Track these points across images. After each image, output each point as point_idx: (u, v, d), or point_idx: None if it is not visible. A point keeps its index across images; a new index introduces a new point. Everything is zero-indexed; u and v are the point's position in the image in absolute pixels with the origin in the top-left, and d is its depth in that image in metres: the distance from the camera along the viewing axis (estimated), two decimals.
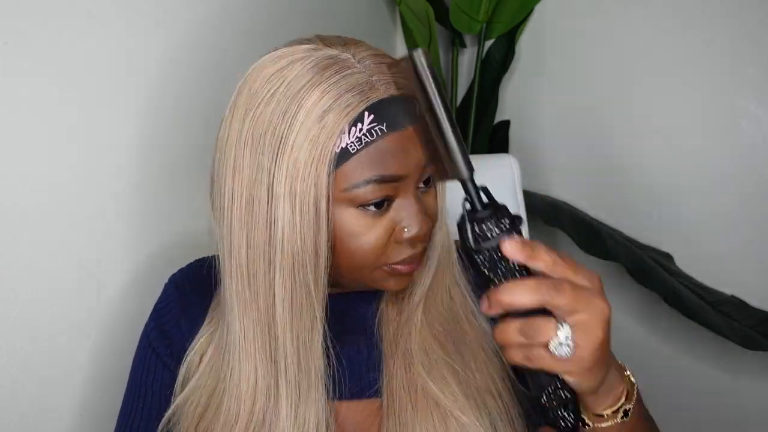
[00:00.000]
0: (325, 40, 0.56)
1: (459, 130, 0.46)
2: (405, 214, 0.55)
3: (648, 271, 1.20)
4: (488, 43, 1.44)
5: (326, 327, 0.58)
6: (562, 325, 0.45)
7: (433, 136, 0.47)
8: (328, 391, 0.59)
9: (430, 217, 0.58)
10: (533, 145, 1.47)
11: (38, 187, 0.72)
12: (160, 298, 0.70)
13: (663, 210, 1.33)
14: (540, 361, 0.46)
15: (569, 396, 0.50)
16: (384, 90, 0.53)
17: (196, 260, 0.71)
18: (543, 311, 0.45)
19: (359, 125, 0.52)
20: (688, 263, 1.30)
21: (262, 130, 0.53)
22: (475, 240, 0.46)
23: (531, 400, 0.50)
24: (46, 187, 0.73)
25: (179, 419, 0.63)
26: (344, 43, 0.56)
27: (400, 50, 1.60)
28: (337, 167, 0.52)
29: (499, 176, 1.06)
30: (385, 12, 1.51)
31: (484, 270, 0.46)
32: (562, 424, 0.51)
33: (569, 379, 0.47)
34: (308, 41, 0.56)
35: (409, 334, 0.63)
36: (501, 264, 0.46)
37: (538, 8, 1.41)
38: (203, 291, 0.67)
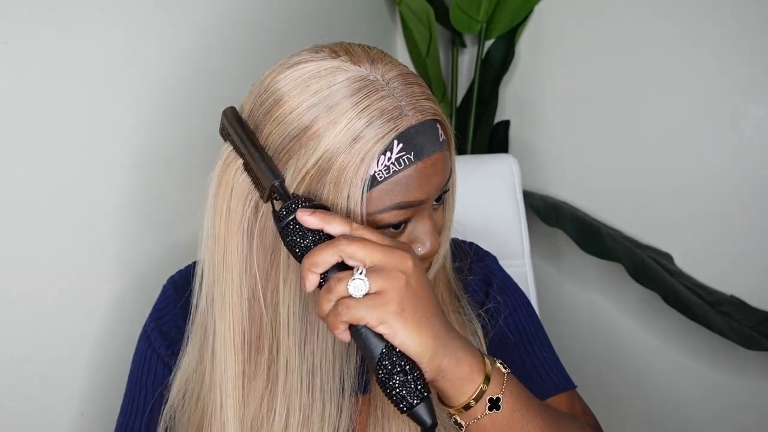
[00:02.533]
0: (351, 54, 0.55)
1: (263, 152, 0.54)
2: (419, 233, 0.57)
3: (648, 271, 1.20)
4: (488, 43, 1.44)
5: None
6: (357, 268, 0.48)
7: (251, 165, 0.54)
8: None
9: (438, 231, 0.59)
10: (533, 145, 1.47)
11: (38, 187, 0.72)
12: (158, 298, 0.71)
13: (663, 210, 1.33)
14: (346, 310, 0.47)
15: (404, 361, 0.47)
16: (412, 116, 0.53)
17: (195, 261, 0.71)
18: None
19: (388, 154, 0.52)
20: (688, 263, 1.30)
21: (283, 140, 0.53)
22: (278, 219, 0.51)
23: (378, 383, 0.48)
24: (46, 187, 0.73)
25: (175, 423, 0.63)
26: (371, 59, 0.55)
27: (401, 50, 1.60)
28: (364, 192, 0.53)
29: (499, 176, 1.06)
30: (385, 12, 1.51)
31: (298, 245, 0.50)
32: (407, 398, 0.46)
33: (384, 330, 0.46)
34: (334, 53, 0.55)
35: None
36: (306, 235, 0.50)
37: (538, 8, 1.41)
38: None
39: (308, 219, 0.49)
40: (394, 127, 0.52)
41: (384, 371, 0.47)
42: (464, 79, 1.55)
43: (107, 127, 0.80)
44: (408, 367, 0.47)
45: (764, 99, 1.20)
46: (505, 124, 1.46)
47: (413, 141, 0.53)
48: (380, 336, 0.47)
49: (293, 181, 0.53)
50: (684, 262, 1.31)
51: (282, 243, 0.53)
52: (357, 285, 0.47)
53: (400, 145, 0.52)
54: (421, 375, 0.48)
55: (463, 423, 0.51)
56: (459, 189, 0.66)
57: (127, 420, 0.67)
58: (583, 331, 1.47)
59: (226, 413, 0.57)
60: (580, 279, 1.46)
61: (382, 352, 0.47)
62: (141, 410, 0.67)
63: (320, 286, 0.49)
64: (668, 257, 1.31)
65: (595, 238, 1.26)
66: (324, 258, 0.48)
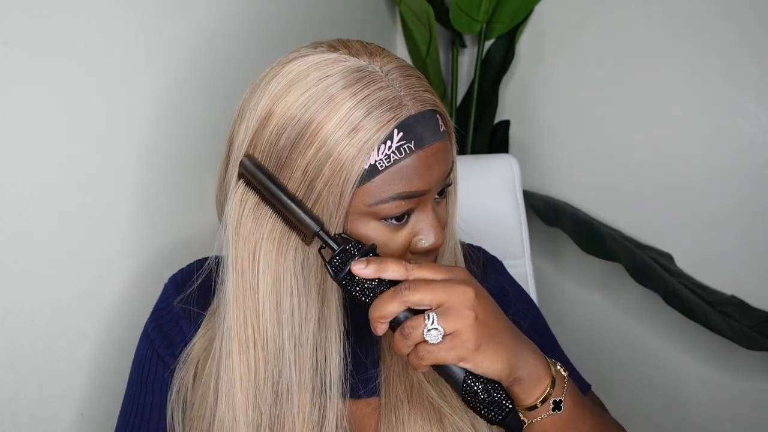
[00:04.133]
0: (349, 47, 0.56)
1: (297, 199, 0.54)
2: (423, 225, 0.57)
3: (648, 271, 1.20)
4: (488, 43, 1.44)
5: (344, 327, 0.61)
6: (428, 316, 0.49)
7: (285, 214, 0.54)
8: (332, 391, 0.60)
9: (442, 225, 0.60)
10: (533, 145, 1.47)
11: (38, 188, 0.72)
12: (160, 298, 0.70)
13: (663, 210, 1.33)
14: (428, 355, 0.49)
15: (482, 382, 0.51)
16: (412, 106, 0.54)
17: (196, 260, 0.71)
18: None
19: (388, 143, 0.53)
20: (688, 263, 1.30)
21: (285, 135, 0.54)
22: (335, 273, 0.52)
23: (465, 404, 0.51)
24: (46, 188, 0.73)
25: (189, 424, 0.63)
26: (370, 52, 0.56)
27: (401, 50, 1.60)
28: (363, 183, 0.53)
29: (499, 176, 1.06)
30: (385, 12, 1.51)
31: (360, 299, 0.52)
32: (495, 412, 0.51)
33: (466, 365, 0.50)
34: (332, 47, 0.56)
35: None
36: (366, 287, 0.51)
37: (538, 8, 1.41)
38: (203, 291, 0.67)
39: (364, 272, 0.51)
40: (393, 117, 0.52)
41: (469, 394, 0.51)
42: (464, 79, 1.55)
43: (108, 127, 0.80)
44: (490, 387, 0.51)
45: (764, 99, 1.20)
46: (505, 124, 1.46)
47: (413, 130, 0.53)
48: (458, 371, 0.50)
49: (294, 171, 0.53)
50: (684, 262, 1.31)
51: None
52: (433, 335, 0.49)
53: (401, 134, 0.53)
54: (502, 388, 0.51)
55: (525, 421, 0.54)
56: (459, 189, 0.66)
57: (128, 420, 0.67)
58: (583, 331, 1.47)
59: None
60: (580, 279, 1.46)
61: (464, 379, 0.50)
62: (141, 410, 0.67)
63: (390, 326, 0.51)
64: (668, 257, 1.31)
65: (595, 238, 1.26)
66: (390, 310, 0.50)
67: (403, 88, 0.54)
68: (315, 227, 0.52)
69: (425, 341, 0.49)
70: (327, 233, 0.53)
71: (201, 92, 0.93)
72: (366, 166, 0.52)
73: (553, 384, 0.54)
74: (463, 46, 1.51)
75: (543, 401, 0.53)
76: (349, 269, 0.51)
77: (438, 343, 0.49)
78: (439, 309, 0.49)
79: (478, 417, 0.51)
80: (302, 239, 0.55)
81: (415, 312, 0.50)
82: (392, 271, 0.51)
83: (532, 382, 0.53)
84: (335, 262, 0.52)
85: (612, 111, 1.36)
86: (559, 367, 0.56)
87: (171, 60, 0.88)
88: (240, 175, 0.56)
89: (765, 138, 1.21)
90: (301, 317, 0.56)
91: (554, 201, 1.39)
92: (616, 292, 1.41)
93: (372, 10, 1.45)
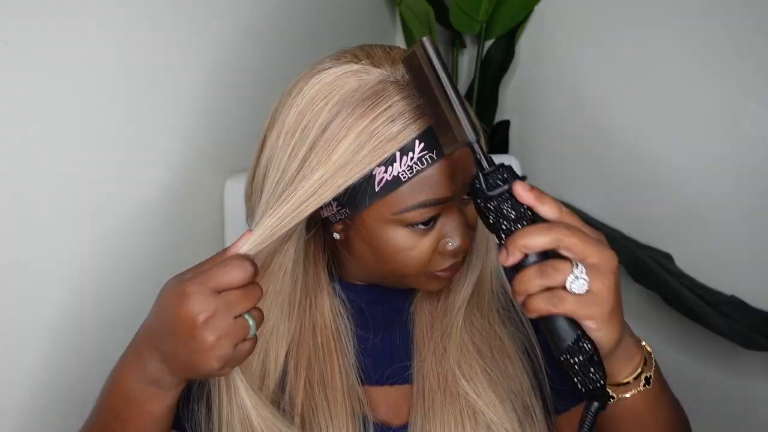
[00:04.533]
0: (372, 57, 0.56)
1: (466, 103, 0.49)
2: (450, 228, 0.58)
3: (648, 272, 1.20)
4: (488, 43, 1.44)
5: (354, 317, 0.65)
6: (576, 264, 0.47)
7: (443, 109, 0.49)
8: (362, 378, 0.63)
9: (471, 226, 0.60)
10: (533, 145, 1.47)
11: (38, 188, 0.72)
12: None
13: (663, 210, 1.33)
14: (562, 302, 0.47)
15: (591, 348, 0.49)
16: None
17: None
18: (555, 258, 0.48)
19: (410, 154, 0.53)
20: (688, 263, 1.30)
21: (309, 145, 0.54)
22: (489, 188, 0.48)
23: (559, 363, 0.50)
24: (46, 188, 0.73)
25: None
26: (392, 60, 0.56)
27: None
28: (386, 194, 0.54)
29: None
30: (385, 12, 1.51)
31: (498, 220, 0.49)
32: (591, 381, 0.49)
33: (591, 324, 0.48)
34: (355, 57, 0.57)
35: (446, 331, 0.65)
36: (512, 211, 0.48)
37: (538, 8, 1.41)
38: None
39: (525, 195, 0.48)
40: (414, 128, 0.53)
41: (574, 356, 0.49)
42: (464, 79, 1.55)
43: (108, 127, 0.80)
44: (596, 356, 0.49)
45: (764, 99, 1.20)
46: (505, 124, 1.46)
47: (435, 138, 0.53)
48: (573, 324, 0.48)
49: (313, 173, 0.54)
50: (684, 262, 1.31)
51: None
52: (580, 285, 0.47)
53: (422, 144, 0.53)
54: (602, 362, 0.50)
55: (614, 396, 0.55)
56: None
57: None
58: None
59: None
60: None
61: (574, 339, 0.49)
62: None
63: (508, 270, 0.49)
64: (668, 257, 1.31)
65: None
66: (540, 242, 0.47)
67: None
68: (473, 136, 0.49)
69: (564, 288, 0.47)
70: (481, 146, 0.50)
71: (200, 93, 0.93)
72: (389, 178, 0.53)
73: (644, 361, 0.55)
74: (463, 46, 1.51)
75: (636, 378, 0.55)
76: (510, 187, 0.48)
77: (576, 294, 0.47)
78: (586, 263, 0.47)
79: (572, 379, 0.50)
80: (443, 141, 0.51)
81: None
82: (549, 205, 0.48)
83: (628, 357, 0.54)
84: (494, 178, 0.48)
85: (612, 111, 1.36)
86: (644, 343, 0.57)
87: (172, 60, 0.88)
88: (407, 59, 0.52)
89: (765, 138, 1.21)
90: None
91: None
92: None
93: (372, 10, 1.45)
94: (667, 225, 1.33)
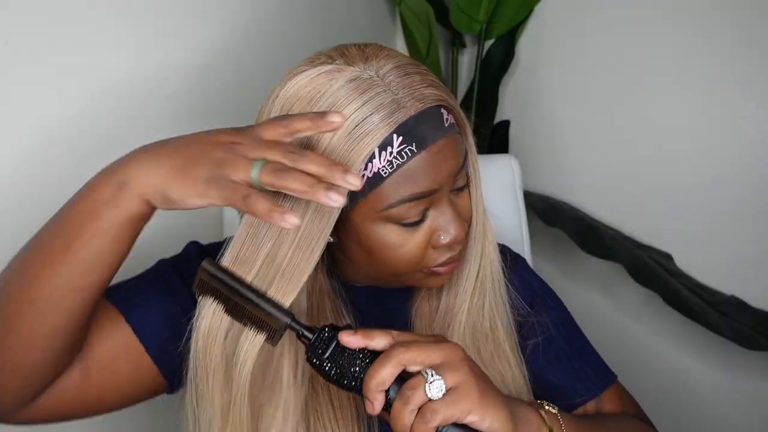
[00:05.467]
0: (346, 56, 0.56)
1: (261, 293, 0.51)
2: (441, 221, 0.57)
3: (648, 271, 1.20)
4: (488, 43, 1.44)
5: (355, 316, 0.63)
6: (426, 372, 0.48)
7: (252, 311, 0.51)
8: None
9: (465, 218, 0.59)
10: (533, 145, 1.47)
11: (38, 188, 0.72)
12: (177, 255, 0.67)
13: (663, 210, 1.33)
14: (434, 413, 0.47)
15: None
16: (411, 106, 0.53)
17: (218, 241, 0.69)
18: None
19: (389, 149, 0.52)
20: (688, 263, 1.30)
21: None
22: (319, 357, 0.50)
23: None
24: (45, 188, 0.73)
25: None
26: (366, 57, 0.55)
27: (400, 50, 1.59)
28: (371, 190, 0.53)
29: (499, 176, 1.06)
30: (385, 12, 1.51)
31: (344, 376, 0.50)
32: None
33: (474, 419, 0.48)
34: (330, 58, 0.56)
35: (447, 333, 0.65)
36: (351, 361, 0.49)
37: (538, 8, 1.41)
38: None
39: (352, 339, 0.49)
40: (391, 121, 0.52)
41: None
42: (464, 79, 1.55)
43: (108, 127, 0.80)
44: None
45: (765, 99, 1.20)
46: (505, 124, 1.46)
47: (414, 131, 0.53)
48: (461, 428, 0.48)
49: None
50: (684, 262, 1.31)
51: (320, 379, 0.54)
52: (437, 386, 0.47)
53: (400, 138, 0.52)
54: None
55: None
56: (481, 179, 0.65)
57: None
58: (583, 331, 1.47)
59: None
60: (580, 279, 1.46)
61: None
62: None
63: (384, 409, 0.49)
64: (668, 257, 1.31)
65: (595, 238, 1.26)
66: (388, 373, 0.48)
67: (402, 89, 0.53)
68: (286, 319, 0.51)
69: (429, 400, 0.47)
70: (297, 322, 0.51)
71: (199, 94, 0.93)
72: (370, 175, 0.52)
73: (549, 426, 0.54)
74: (463, 46, 1.51)
75: None
76: (336, 343, 0.50)
77: (442, 397, 0.47)
78: (434, 367, 0.48)
79: None
80: (267, 338, 0.51)
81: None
82: (379, 337, 0.50)
83: (530, 426, 0.53)
84: (318, 343, 0.50)
85: (612, 111, 1.36)
86: (547, 407, 0.56)
87: (172, 60, 0.88)
88: (199, 286, 0.52)
89: (765, 138, 1.21)
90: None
91: (554, 201, 1.39)
92: (616, 292, 1.41)
93: (372, 10, 1.45)
94: (667, 225, 1.33)
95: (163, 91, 0.87)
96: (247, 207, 0.43)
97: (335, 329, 0.51)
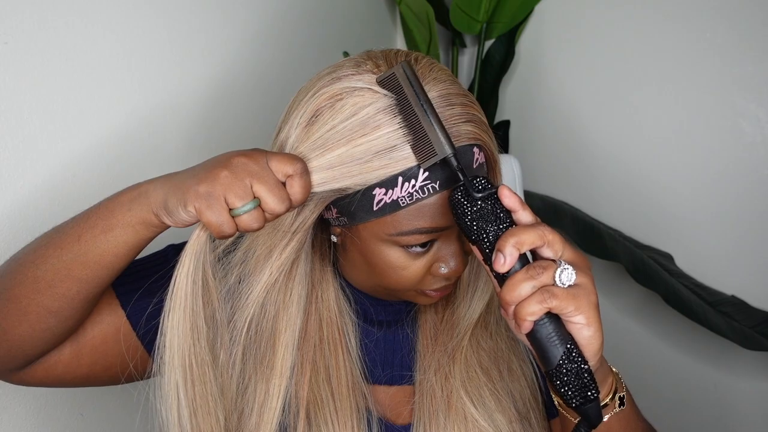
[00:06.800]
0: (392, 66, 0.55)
1: (439, 119, 0.51)
2: (445, 253, 0.57)
3: (648, 271, 1.20)
4: (488, 43, 1.44)
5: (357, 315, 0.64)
6: (559, 261, 0.48)
7: (421, 126, 0.51)
8: (366, 374, 0.63)
9: (468, 252, 0.60)
10: (533, 145, 1.48)
11: (38, 188, 0.72)
12: (154, 254, 0.66)
13: (663, 210, 1.33)
14: (553, 296, 0.46)
15: (581, 357, 0.49)
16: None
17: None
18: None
19: (413, 181, 0.52)
20: (688, 263, 1.30)
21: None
22: (469, 195, 0.49)
23: (550, 377, 0.49)
24: (45, 188, 0.73)
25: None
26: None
27: None
28: (385, 215, 0.54)
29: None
30: (385, 12, 1.51)
31: (481, 225, 0.49)
32: (583, 394, 0.48)
33: (581, 320, 0.47)
34: (377, 66, 0.55)
35: (451, 354, 0.65)
36: (493, 216, 0.49)
37: (538, 8, 1.41)
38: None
39: (512, 196, 0.49)
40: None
41: (561, 371, 0.48)
42: (464, 79, 1.55)
43: (108, 127, 0.80)
44: (587, 366, 0.48)
45: (764, 99, 1.20)
46: (505, 124, 1.46)
47: (439, 170, 0.52)
48: (562, 337, 0.48)
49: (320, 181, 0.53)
50: (684, 262, 1.31)
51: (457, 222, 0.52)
52: (568, 275, 0.47)
53: (426, 173, 0.52)
54: (593, 377, 0.49)
55: (604, 417, 0.53)
56: None
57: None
58: None
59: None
60: None
61: (566, 349, 0.48)
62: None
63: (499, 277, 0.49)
64: (668, 257, 1.31)
65: (595, 239, 1.26)
66: (530, 238, 0.47)
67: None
68: (449, 150, 0.50)
69: (554, 284, 0.47)
70: (458, 159, 0.51)
71: (198, 95, 0.93)
72: (388, 201, 0.53)
73: (615, 381, 0.54)
74: (463, 46, 1.51)
75: (611, 398, 0.53)
76: (495, 192, 0.49)
77: (565, 288, 0.47)
78: (565, 260, 0.48)
79: (560, 397, 0.49)
80: (420, 156, 0.52)
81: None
82: (528, 210, 0.49)
83: (604, 377, 0.53)
84: (478, 185, 0.49)
85: (612, 111, 1.36)
86: (609, 365, 0.56)
87: (174, 61, 0.88)
88: (386, 81, 0.53)
89: (765, 138, 1.21)
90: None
91: (554, 201, 1.39)
92: (616, 292, 1.41)
93: (372, 10, 1.45)
94: (667, 225, 1.33)
95: (166, 92, 0.87)
96: (218, 235, 0.49)
97: (487, 179, 0.50)
